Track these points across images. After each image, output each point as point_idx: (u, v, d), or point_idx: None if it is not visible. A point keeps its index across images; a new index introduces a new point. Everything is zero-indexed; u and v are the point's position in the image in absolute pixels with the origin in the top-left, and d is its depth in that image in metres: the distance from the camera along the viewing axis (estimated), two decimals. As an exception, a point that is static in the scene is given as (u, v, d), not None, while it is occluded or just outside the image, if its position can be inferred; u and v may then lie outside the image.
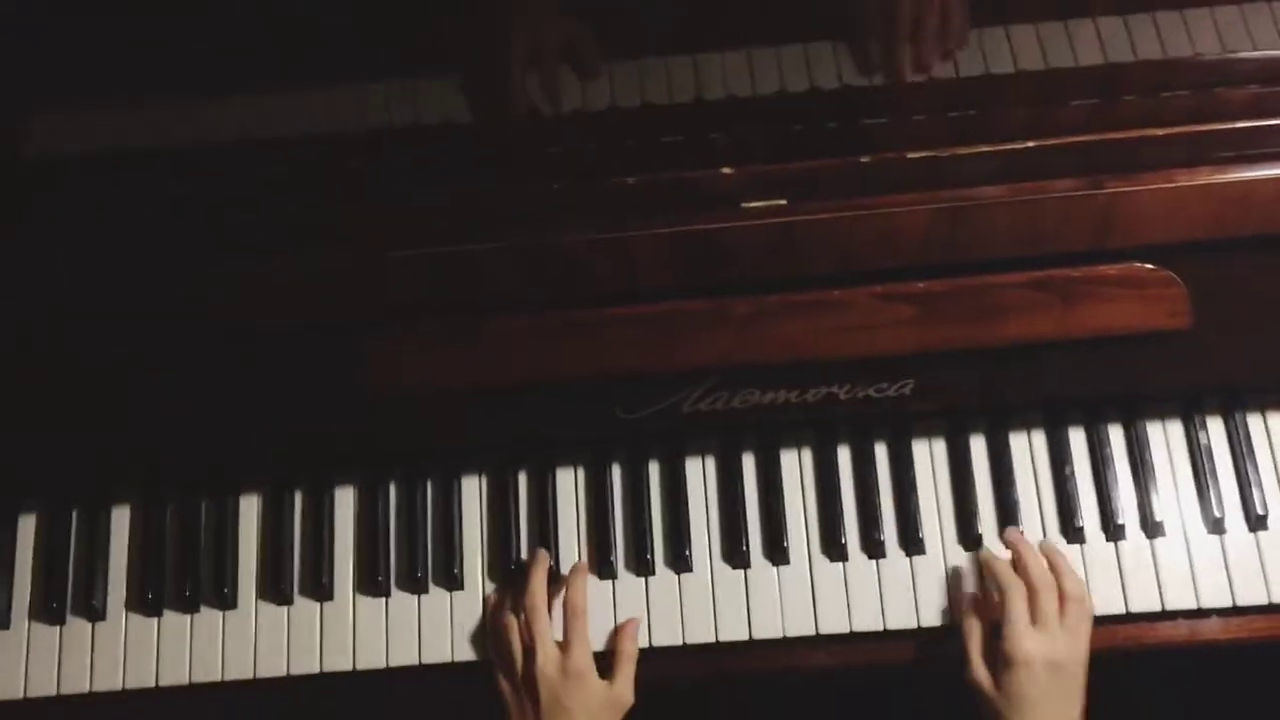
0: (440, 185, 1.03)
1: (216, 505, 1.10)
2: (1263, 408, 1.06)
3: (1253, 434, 1.06)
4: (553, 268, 0.98)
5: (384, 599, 1.08)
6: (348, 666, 1.06)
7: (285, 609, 1.08)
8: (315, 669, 1.06)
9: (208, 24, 1.01)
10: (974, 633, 1.00)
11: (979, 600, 1.02)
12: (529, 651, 1.01)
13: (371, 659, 1.06)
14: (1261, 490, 1.04)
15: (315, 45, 1.03)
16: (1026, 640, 0.96)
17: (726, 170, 0.98)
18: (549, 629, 1.02)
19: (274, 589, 1.08)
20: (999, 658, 0.97)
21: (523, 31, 1.03)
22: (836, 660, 1.05)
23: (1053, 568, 1.00)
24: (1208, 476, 1.05)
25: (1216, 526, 1.04)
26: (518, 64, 1.03)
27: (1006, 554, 1.03)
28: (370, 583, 1.08)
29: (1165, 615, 1.02)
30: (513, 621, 1.03)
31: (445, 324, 1.01)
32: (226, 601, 1.07)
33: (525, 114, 1.03)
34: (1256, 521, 1.03)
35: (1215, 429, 1.06)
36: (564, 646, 1.01)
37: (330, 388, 1.03)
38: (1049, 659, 0.95)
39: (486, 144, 1.05)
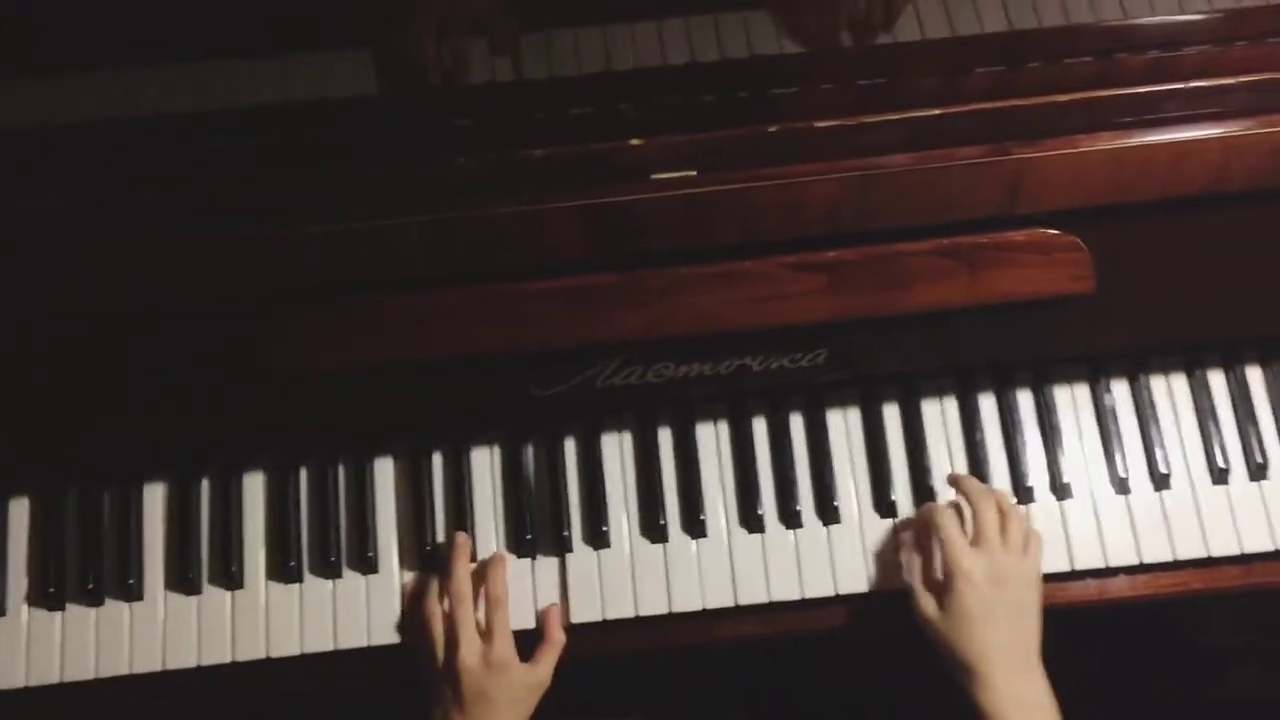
0: (346, 160, 1.01)
1: (119, 495, 1.07)
2: (1165, 369, 1.08)
3: (1155, 395, 1.08)
4: (461, 243, 0.96)
5: (297, 585, 1.05)
6: (261, 654, 1.04)
7: (194, 599, 1.05)
8: (227, 659, 1.04)
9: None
10: (915, 566, 1.00)
11: (919, 538, 1.02)
12: (452, 642, 0.99)
13: (286, 646, 1.04)
14: (1164, 450, 1.06)
15: (212, 18, 1.00)
16: (965, 556, 0.96)
17: (635, 141, 0.97)
18: (472, 618, 1.01)
19: (182, 579, 1.05)
20: (943, 579, 0.97)
21: (431, 2, 1.00)
22: (759, 631, 1.05)
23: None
24: (1113, 438, 1.07)
25: (1122, 486, 1.06)
26: (426, 35, 1.00)
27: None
28: (282, 569, 1.05)
29: (1075, 575, 1.04)
30: (436, 610, 1.02)
31: (353, 302, 0.99)
32: (132, 593, 1.04)
33: (433, 87, 1.01)
34: (1160, 480, 1.05)
35: (1120, 391, 1.08)
36: (486, 636, 1.00)
37: (235, 370, 1.00)
38: (991, 573, 0.96)
39: (394, 117, 1.02)
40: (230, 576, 1.05)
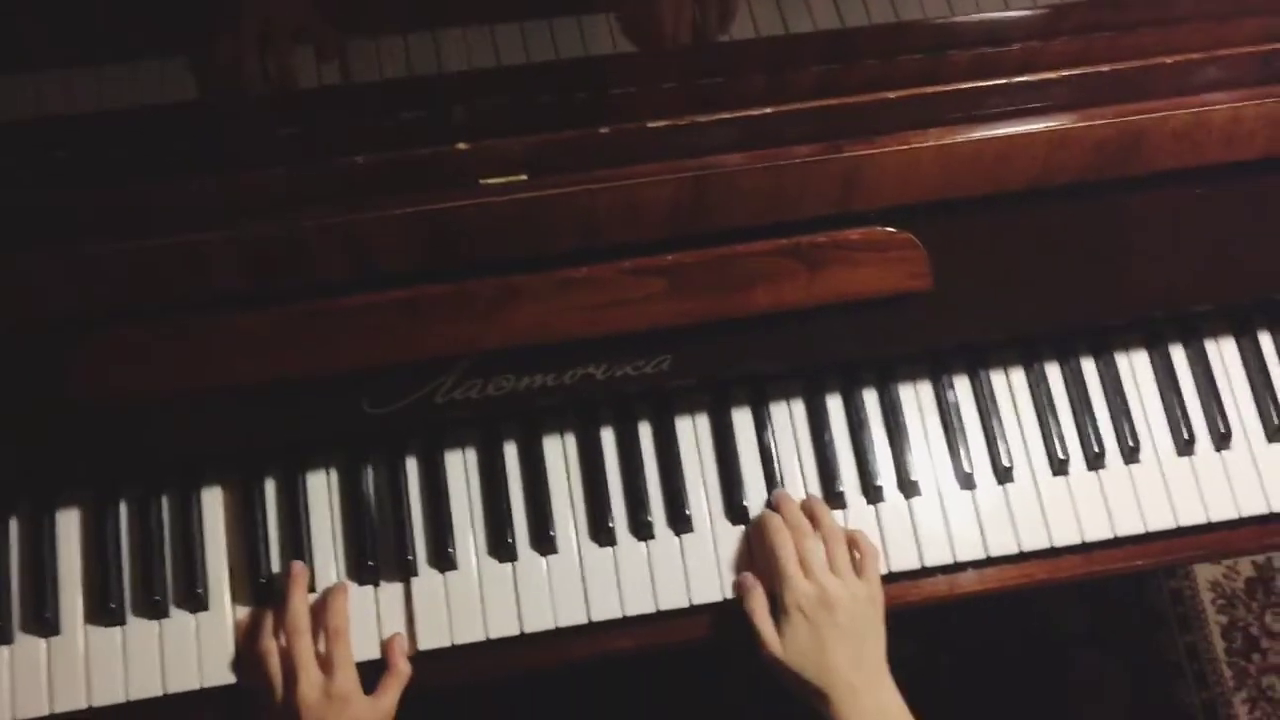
0: (156, 172, 0.94)
1: (-85, 539, 0.99)
2: (1004, 363, 1.09)
3: (995, 389, 1.09)
4: (280, 256, 0.91)
5: (119, 628, 0.99)
6: (82, 704, 0.97)
7: (5, 649, 0.97)
8: (44, 711, 0.96)
9: None
10: (758, 609, 0.99)
11: (755, 576, 1.01)
12: (290, 677, 0.94)
13: (109, 694, 0.97)
14: (1006, 443, 1.07)
15: (18, 25, 0.93)
16: (795, 588, 0.97)
17: (462, 146, 0.94)
18: (312, 651, 0.96)
19: (-11, 628, 0.97)
20: (779, 614, 0.97)
21: (252, 10, 0.95)
22: (615, 646, 1.02)
23: (813, 516, 1.01)
24: (957, 434, 1.07)
25: (967, 481, 1.06)
26: (247, 43, 0.95)
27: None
28: (101, 611, 0.98)
29: (925, 572, 1.04)
30: (272, 645, 0.96)
31: (165, 323, 0.92)
32: (-66, 647, 0.96)
33: (248, 93, 0.96)
34: (1003, 474, 1.06)
35: (962, 387, 1.09)
36: (326, 668, 0.95)
37: (39, 400, 0.93)
38: (820, 599, 0.96)
39: (207, 125, 0.97)
40: (44, 622, 0.97)
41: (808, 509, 1.03)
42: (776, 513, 1.03)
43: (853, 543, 1.01)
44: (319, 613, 0.98)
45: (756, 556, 1.03)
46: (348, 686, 0.95)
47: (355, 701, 0.95)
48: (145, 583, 1.00)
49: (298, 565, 1.00)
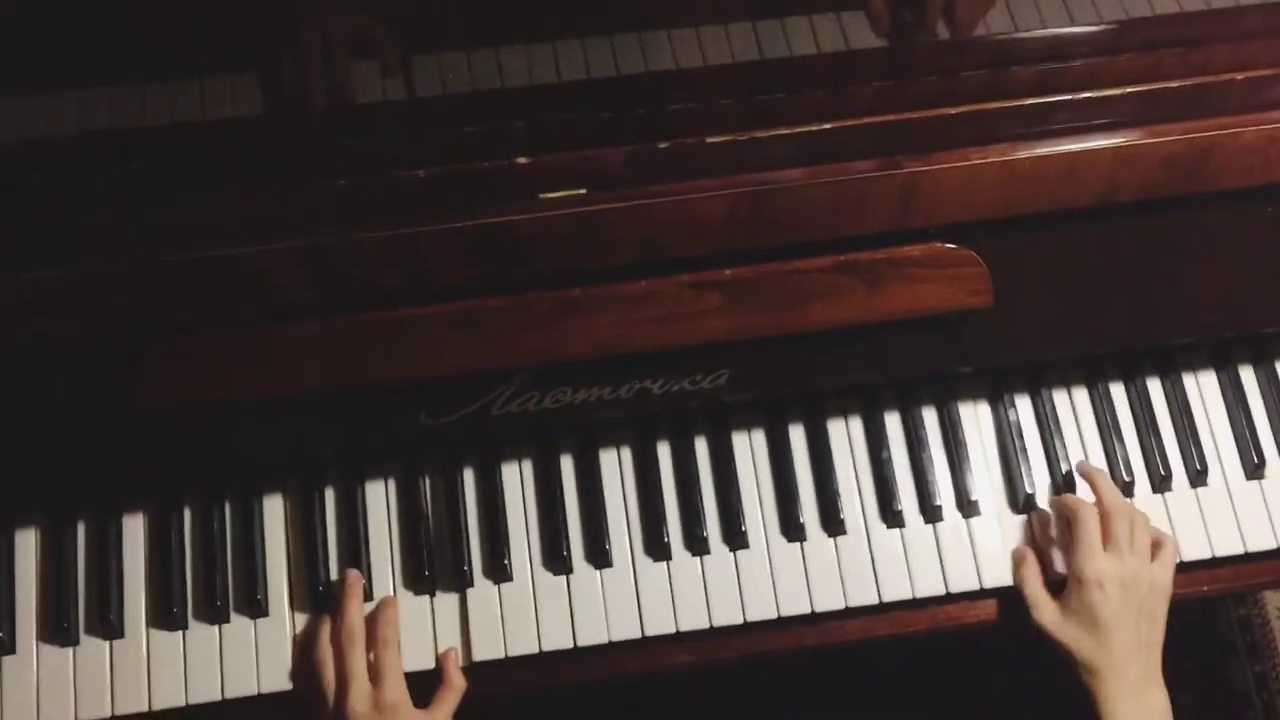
0: (223, 184, 0.96)
1: (-11, 542, 1.01)
2: (1066, 382, 1.08)
3: (1059, 409, 1.07)
4: (342, 268, 0.93)
5: (180, 631, 1.00)
6: (143, 707, 0.98)
7: (70, 650, 0.99)
8: (106, 713, 0.98)
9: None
10: (1030, 577, 0.99)
11: (1029, 549, 1.01)
12: (342, 686, 0.95)
13: (170, 698, 0.99)
14: (1070, 464, 1.05)
15: (90, 43, 0.96)
16: (1097, 559, 0.96)
17: (522, 160, 0.94)
18: (364, 662, 0.96)
19: (56, 630, 0.99)
20: (1070, 582, 0.97)
21: (314, 23, 0.97)
22: (669, 662, 1.02)
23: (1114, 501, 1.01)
24: (1017, 454, 1.06)
25: (1028, 503, 1.04)
26: (311, 58, 0.97)
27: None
28: (164, 615, 1.00)
29: (983, 594, 1.02)
30: (327, 653, 0.97)
31: (231, 334, 0.94)
32: (3, 647, 0.98)
33: (314, 108, 0.97)
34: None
35: (1023, 406, 1.07)
36: (375, 679, 0.96)
37: (107, 408, 0.95)
38: (1120, 577, 0.95)
39: (271, 139, 0.98)
40: (109, 625, 0.99)
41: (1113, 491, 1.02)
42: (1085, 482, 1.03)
43: (1155, 538, 1.00)
44: (370, 624, 0.99)
45: (1040, 534, 1.02)
46: (395, 695, 0.95)
47: (403, 712, 0.95)
48: (207, 588, 1.01)
49: (353, 574, 1.01)
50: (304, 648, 1.00)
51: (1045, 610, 0.97)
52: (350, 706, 0.93)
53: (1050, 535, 1.03)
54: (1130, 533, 0.98)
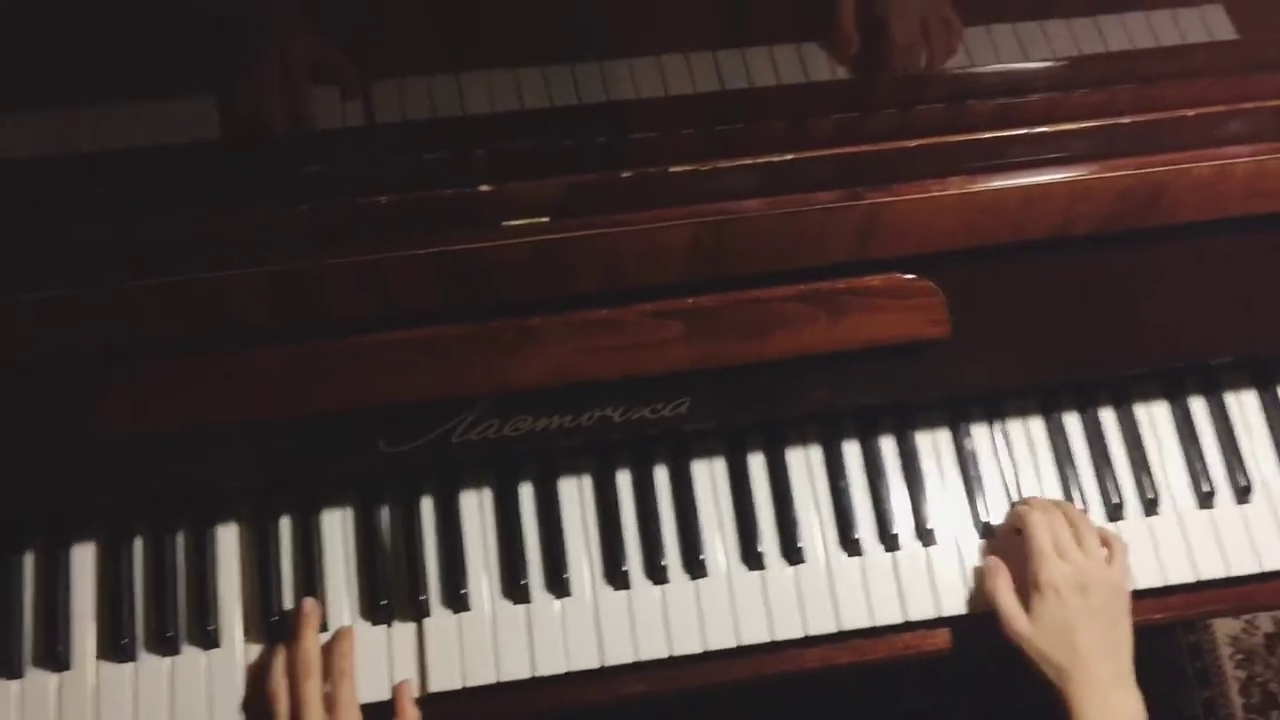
0: (179, 208, 0.95)
1: (-72, 571, 0.99)
2: (1023, 412, 1.09)
3: (1012, 437, 1.09)
4: (303, 294, 0.92)
5: (130, 664, 0.98)
6: (90, 742, 0.96)
7: (15, 684, 0.97)
8: (52, 748, 0.96)
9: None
10: (1003, 588, 0.99)
11: (999, 561, 1.02)
12: (296, 718, 0.94)
13: (117, 732, 0.97)
14: (1022, 493, 1.06)
15: (41, 65, 0.94)
16: (1049, 565, 0.97)
17: (485, 188, 0.94)
18: (319, 694, 0.95)
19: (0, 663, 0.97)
20: (1029, 592, 0.97)
21: (274, 49, 0.96)
22: (628, 690, 1.01)
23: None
24: (975, 482, 1.07)
25: (985, 531, 1.05)
26: (268, 81, 0.96)
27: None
28: (114, 647, 0.98)
29: (941, 622, 1.03)
30: (281, 684, 0.96)
31: (188, 359, 0.93)
32: (-60, 681, 0.96)
33: (273, 133, 0.97)
34: (1023, 524, 1.05)
35: (980, 435, 1.08)
36: (330, 711, 0.94)
37: (59, 433, 0.93)
38: (1074, 580, 0.96)
39: (231, 163, 0.97)
40: (55, 657, 0.97)
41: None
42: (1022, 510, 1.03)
43: (1104, 537, 1.01)
44: (326, 654, 0.98)
45: (1002, 549, 1.03)
46: (351, 728, 0.94)
47: (360, 744, 0.94)
48: (158, 619, 0.99)
49: (309, 603, 0.99)
50: (257, 679, 0.98)
51: (1019, 621, 0.97)
52: (305, 739, 0.92)
53: (1008, 551, 1.03)
54: (1078, 536, 1.00)
